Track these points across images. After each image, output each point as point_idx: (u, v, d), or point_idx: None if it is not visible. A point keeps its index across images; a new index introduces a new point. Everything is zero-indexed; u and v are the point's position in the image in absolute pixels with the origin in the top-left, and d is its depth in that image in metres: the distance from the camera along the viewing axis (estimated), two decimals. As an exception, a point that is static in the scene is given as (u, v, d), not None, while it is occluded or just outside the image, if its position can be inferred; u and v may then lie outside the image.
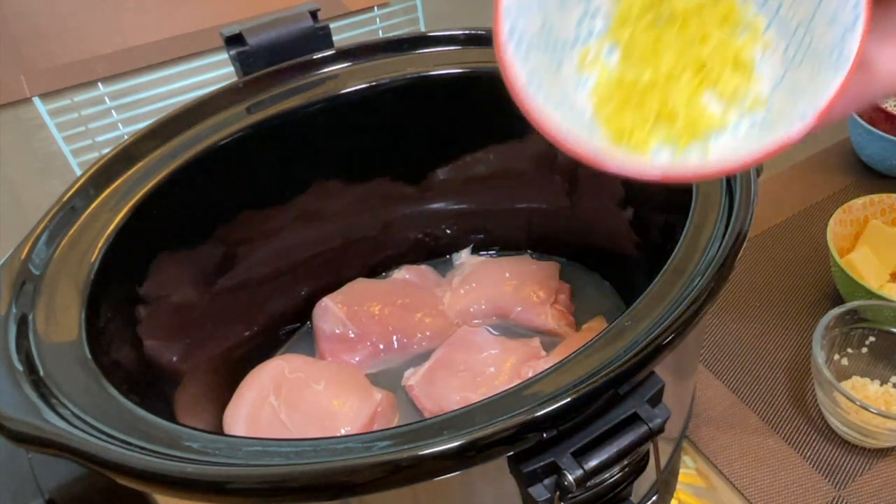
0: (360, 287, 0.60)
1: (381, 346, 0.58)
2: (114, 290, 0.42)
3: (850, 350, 0.58)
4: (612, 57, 0.32)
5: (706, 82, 0.31)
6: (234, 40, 0.52)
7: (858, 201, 0.66)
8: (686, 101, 0.31)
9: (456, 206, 0.62)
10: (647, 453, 0.35)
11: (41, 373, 0.35)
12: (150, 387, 0.43)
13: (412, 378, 0.55)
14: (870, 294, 0.57)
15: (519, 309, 0.58)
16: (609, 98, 0.31)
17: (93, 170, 0.45)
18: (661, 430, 0.33)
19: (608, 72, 0.31)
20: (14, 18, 1.16)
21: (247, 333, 0.56)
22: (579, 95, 0.31)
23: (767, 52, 0.30)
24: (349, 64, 0.54)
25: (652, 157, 0.30)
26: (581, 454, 0.32)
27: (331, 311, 0.57)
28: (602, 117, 0.31)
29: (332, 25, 0.54)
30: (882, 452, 0.54)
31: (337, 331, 0.57)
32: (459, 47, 0.54)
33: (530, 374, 0.42)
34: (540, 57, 0.30)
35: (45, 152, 0.98)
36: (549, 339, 0.57)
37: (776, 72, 0.30)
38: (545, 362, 0.53)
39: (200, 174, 0.48)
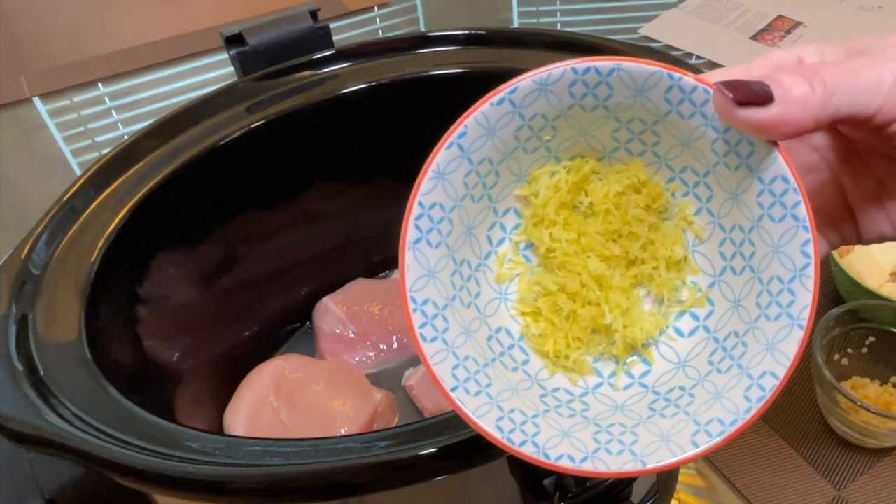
0: (360, 287, 0.60)
1: (381, 346, 0.58)
2: (114, 290, 0.42)
3: (850, 350, 0.58)
4: (531, 256, 0.30)
5: (639, 279, 0.29)
6: (234, 40, 0.52)
7: (858, 201, 0.66)
8: (621, 309, 0.29)
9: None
10: (647, 453, 0.35)
11: (41, 373, 0.35)
12: (150, 387, 0.43)
13: (412, 378, 0.55)
14: (870, 294, 0.57)
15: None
16: (536, 314, 0.29)
17: (93, 170, 0.45)
18: (661, 430, 0.32)
19: (528, 277, 0.30)
20: (14, 18, 1.16)
21: (247, 333, 0.56)
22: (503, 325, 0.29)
23: (702, 242, 0.29)
24: (349, 64, 0.54)
25: (595, 377, 0.29)
26: (581, 454, 0.31)
27: (331, 311, 0.57)
28: (532, 339, 0.29)
29: (332, 25, 0.54)
30: (882, 452, 0.54)
31: (337, 331, 0.57)
32: (459, 47, 0.54)
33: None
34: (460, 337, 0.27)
35: (45, 152, 0.98)
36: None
37: (715, 266, 0.29)
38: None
39: (200, 174, 0.48)
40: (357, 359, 0.57)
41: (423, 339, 0.26)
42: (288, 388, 0.51)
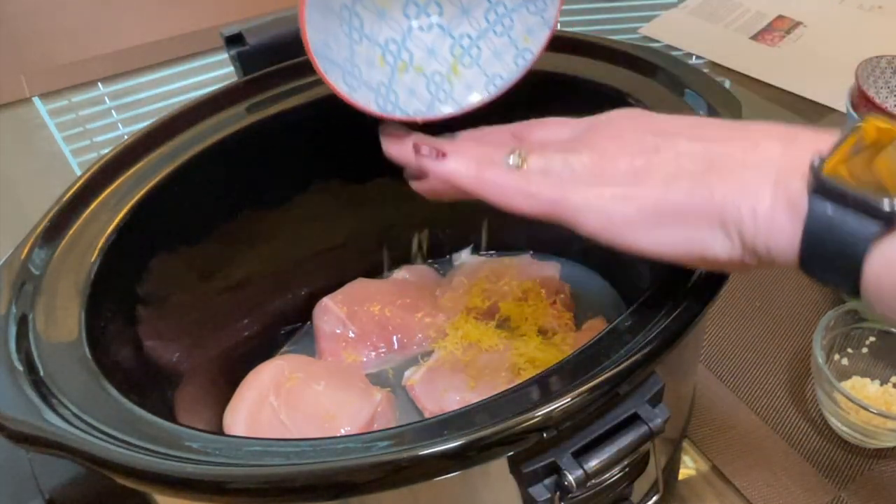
0: (360, 287, 0.60)
1: (381, 346, 0.58)
2: (114, 290, 0.42)
3: (850, 350, 0.58)
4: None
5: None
6: (234, 40, 0.52)
7: (858, 201, 0.66)
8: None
9: (456, 206, 0.62)
10: (648, 453, 0.35)
11: (41, 373, 0.35)
12: (150, 387, 0.43)
13: (412, 378, 0.55)
14: (870, 294, 0.57)
15: (519, 309, 0.58)
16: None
17: (93, 170, 0.45)
18: (661, 430, 0.33)
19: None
20: (14, 18, 1.16)
21: (247, 333, 0.56)
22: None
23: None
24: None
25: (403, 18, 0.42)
26: (581, 454, 0.32)
27: (331, 311, 0.57)
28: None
29: (332, 25, 0.54)
30: (882, 452, 0.54)
31: (337, 331, 0.57)
32: (459, 47, 0.54)
33: (530, 374, 0.42)
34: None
35: (45, 152, 0.98)
36: (549, 339, 0.56)
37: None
38: (545, 362, 0.53)
39: (200, 174, 0.48)
40: (357, 359, 0.57)
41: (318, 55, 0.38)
42: (288, 388, 0.51)
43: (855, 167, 0.26)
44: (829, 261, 0.26)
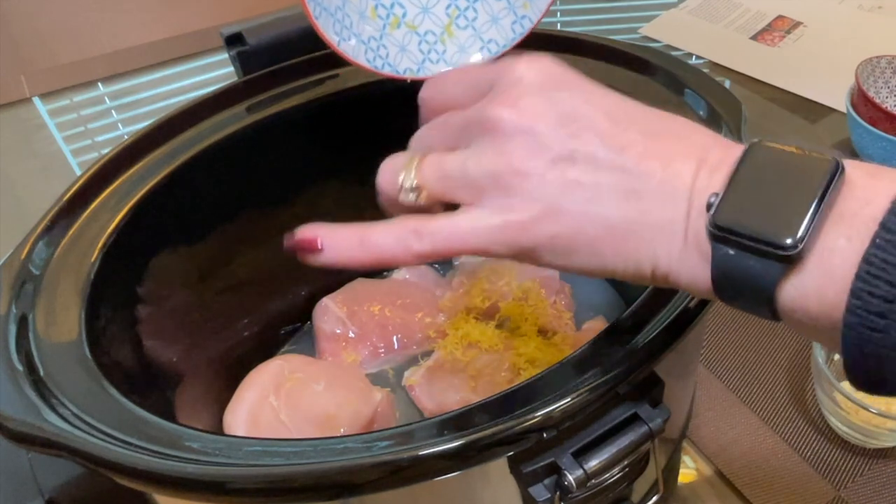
0: (360, 287, 0.60)
1: (381, 346, 0.58)
2: (114, 290, 0.42)
3: (850, 350, 0.58)
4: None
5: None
6: (234, 40, 0.52)
7: (858, 201, 0.66)
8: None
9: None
10: (648, 453, 0.35)
11: (41, 373, 0.35)
12: (150, 387, 0.43)
13: (412, 378, 0.55)
14: (870, 294, 0.57)
15: (519, 309, 0.58)
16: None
17: (93, 170, 0.46)
18: (661, 430, 0.33)
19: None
20: (14, 18, 1.16)
21: (247, 333, 0.56)
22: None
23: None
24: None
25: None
26: (581, 454, 0.32)
27: (331, 311, 0.57)
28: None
29: (332, 25, 0.54)
30: (882, 452, 0.54)
31: (337, 331, 0.57)
32: (459, 47, 0.54)
33: (530, 374, 0.42)
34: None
35: (45, 152, 0.98)
36: (549, 339, 0.56)
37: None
38: (545, 362, 0.53)
39: (200, 174, 0.48)
40: (357, 359, 0.57)
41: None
42: (288, 388, 0.51)
43: (750, 200, 0.25)
44: (742, 297, 0.26)
